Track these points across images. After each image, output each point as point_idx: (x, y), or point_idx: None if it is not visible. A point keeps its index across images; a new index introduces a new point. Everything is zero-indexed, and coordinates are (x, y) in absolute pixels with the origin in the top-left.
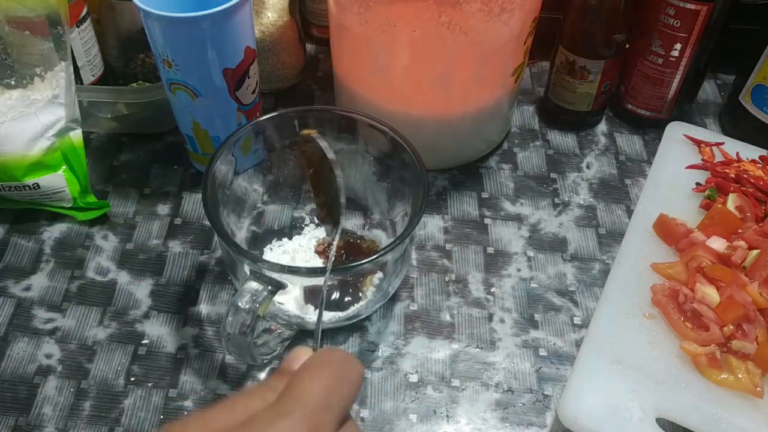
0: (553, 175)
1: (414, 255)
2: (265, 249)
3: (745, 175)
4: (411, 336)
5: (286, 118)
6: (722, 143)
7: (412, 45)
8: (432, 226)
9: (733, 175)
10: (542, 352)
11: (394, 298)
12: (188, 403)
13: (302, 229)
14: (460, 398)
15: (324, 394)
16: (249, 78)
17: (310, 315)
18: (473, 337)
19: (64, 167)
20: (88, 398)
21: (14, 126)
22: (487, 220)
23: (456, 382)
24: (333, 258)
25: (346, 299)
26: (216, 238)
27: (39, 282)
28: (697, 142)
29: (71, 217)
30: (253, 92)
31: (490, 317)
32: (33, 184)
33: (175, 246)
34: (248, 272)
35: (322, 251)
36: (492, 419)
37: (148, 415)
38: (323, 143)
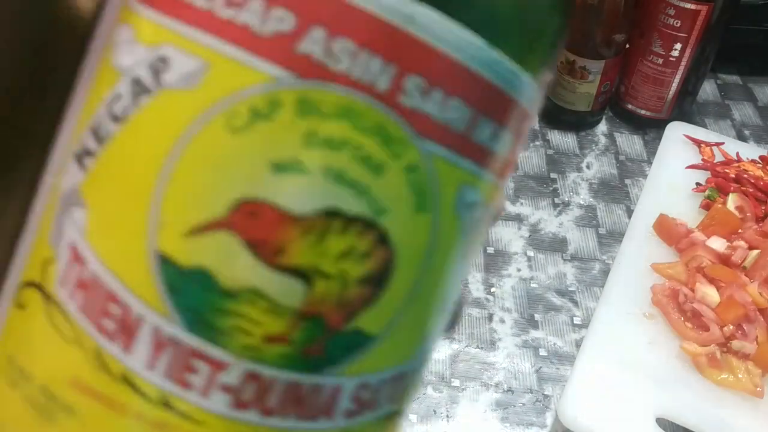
0: (553, 175)
1: None
2: None
3: (745, 175)
4: None
5: None
6: (722, 143)
7: None
8: None
9: (733, 175)
10: (542, 352)
11: None
12: None
13: None
14: (460, 398)
15: None
16: None
17: None
18: (473, 337)
19: None
20: None
21: None
22: None
23: (456, 382)
24: None
25: None
26: None
27: None
28: (697, 142)
29: None
30: None
31: (490, 317)
32: None
33: None
34: None
35: None
36: (492, 419)
37: None
38: None
